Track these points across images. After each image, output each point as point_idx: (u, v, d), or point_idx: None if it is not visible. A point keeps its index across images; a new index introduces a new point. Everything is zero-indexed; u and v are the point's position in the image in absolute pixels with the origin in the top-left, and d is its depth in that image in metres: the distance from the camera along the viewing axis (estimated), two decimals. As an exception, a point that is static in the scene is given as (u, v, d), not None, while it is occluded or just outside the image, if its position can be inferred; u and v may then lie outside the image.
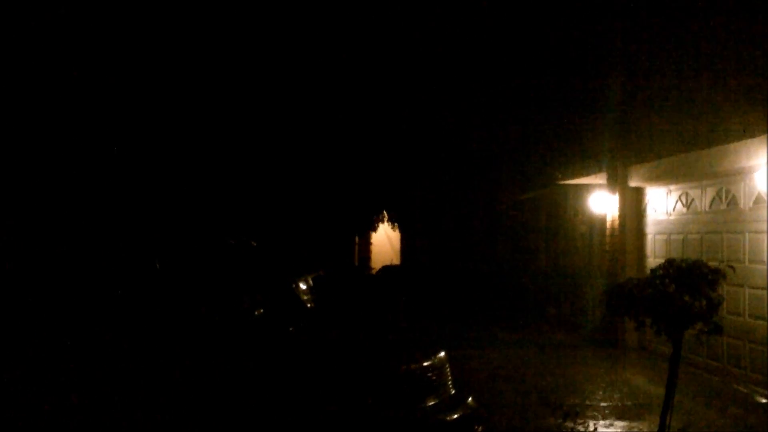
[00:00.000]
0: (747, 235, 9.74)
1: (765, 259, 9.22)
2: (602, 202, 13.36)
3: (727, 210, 10.25)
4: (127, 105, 14.01)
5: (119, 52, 13.53)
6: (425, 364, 5.69)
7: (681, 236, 11.40)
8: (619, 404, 8.88)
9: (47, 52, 12.93)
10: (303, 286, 14.91)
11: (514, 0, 14.55)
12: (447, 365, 5.94)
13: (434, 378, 5.70)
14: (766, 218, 9.11)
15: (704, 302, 6.62)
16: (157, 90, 14.16)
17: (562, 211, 16.28)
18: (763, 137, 8.66)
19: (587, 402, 8.95)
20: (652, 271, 6.82)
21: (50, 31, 12.80)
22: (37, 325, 5.66)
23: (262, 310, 6.75)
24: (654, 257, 11.97)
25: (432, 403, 5.59)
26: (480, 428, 5.87)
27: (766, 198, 9.20)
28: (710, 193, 10.66)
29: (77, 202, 12.83)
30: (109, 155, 13.73)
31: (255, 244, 6.88)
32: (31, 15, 12.69)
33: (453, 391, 5.89)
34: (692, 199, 11.16)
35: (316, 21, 16.52)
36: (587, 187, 14.21)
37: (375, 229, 21.56)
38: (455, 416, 5.65)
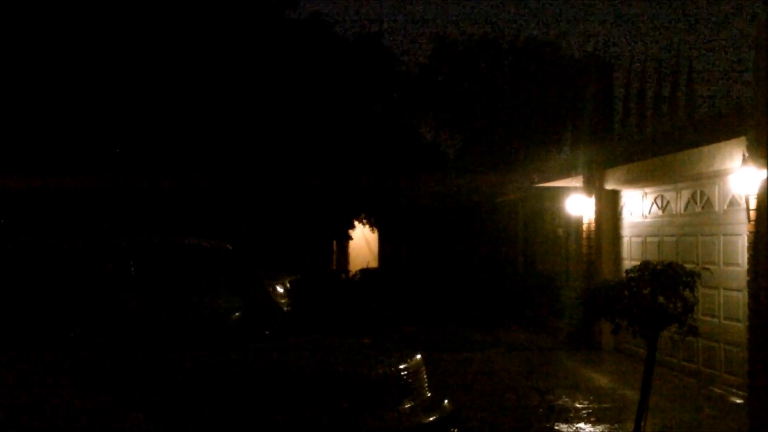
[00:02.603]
0: (722, 237, 9.81)
1: (740, 261, 9.28)
2: (579, 205, 13.40)
3: (702, 213, 10.31)
4: (105, 105, 13.90)
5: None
6: (401, 367, 5.66)
7: (657, 239, 11.46)
8: (595, 406, 8.90)
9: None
10: (280, 290, 14.83)
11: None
12: (423, 368, 5.92)
13: (410, 381, 5.67)
14: (740, 221, 9.17)
15: (679, 304, 6.66)
16: (130, 90, 14.06)
17: (540, 213, 16.34)
18: (737, 140, 8.72)
19: (563, 404, 8.96)
20: (627, 272, 6.85)
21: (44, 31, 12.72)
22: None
23: (237, 314, 6.69)
24: (630, 260, 12.02)
25: (408, 405, 5.56)
26: (455, 430, 5.86)
27: (740, 201, 9.26)
28: (685, 195, 10.73)
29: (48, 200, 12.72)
30: (85, 156, 13.62)
31: (230, 247, 6.82)
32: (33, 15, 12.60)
33: (429, 394, 5.88)
34: (667, 202, 11.22)
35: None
36: (564, 190, 14.26)
37: (353, 229, 21.50)
38: (431, 419, 5.64)
